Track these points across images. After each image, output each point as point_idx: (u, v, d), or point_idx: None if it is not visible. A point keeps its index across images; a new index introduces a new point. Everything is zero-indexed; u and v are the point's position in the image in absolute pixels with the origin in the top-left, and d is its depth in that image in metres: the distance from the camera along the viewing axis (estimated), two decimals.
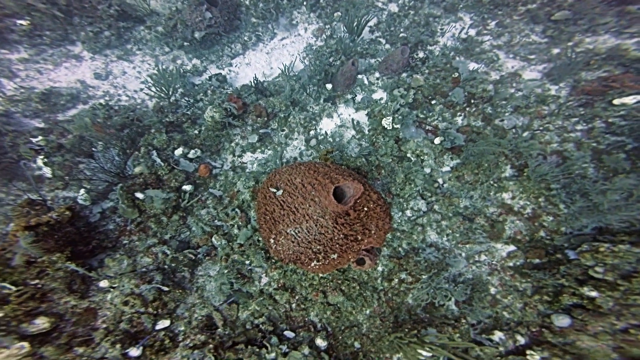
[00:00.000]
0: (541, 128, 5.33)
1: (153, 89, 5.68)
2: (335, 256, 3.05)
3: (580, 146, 5.06)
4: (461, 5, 7.19)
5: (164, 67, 6.40)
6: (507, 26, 6.88)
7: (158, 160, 4.38)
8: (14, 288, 3.25)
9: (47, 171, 4.58)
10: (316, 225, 3.01)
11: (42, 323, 3.22)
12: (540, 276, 3.85)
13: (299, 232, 3.09)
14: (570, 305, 3.68)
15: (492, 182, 4.48)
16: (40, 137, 4.75)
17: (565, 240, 3.99)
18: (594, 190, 3.99)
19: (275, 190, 3.28)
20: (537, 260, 4.03)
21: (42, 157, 4.52)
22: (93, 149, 4.73)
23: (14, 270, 3.32)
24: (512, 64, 6.44)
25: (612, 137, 5.22)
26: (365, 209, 3.12)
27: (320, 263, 3.09)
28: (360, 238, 3.09)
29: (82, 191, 4.33)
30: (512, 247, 4.18)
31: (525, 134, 5.08)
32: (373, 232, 3.10)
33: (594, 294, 3.53)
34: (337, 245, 3.02)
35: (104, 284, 3.60)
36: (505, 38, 6.77)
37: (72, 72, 6.31)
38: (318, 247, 3.04)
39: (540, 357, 3.47)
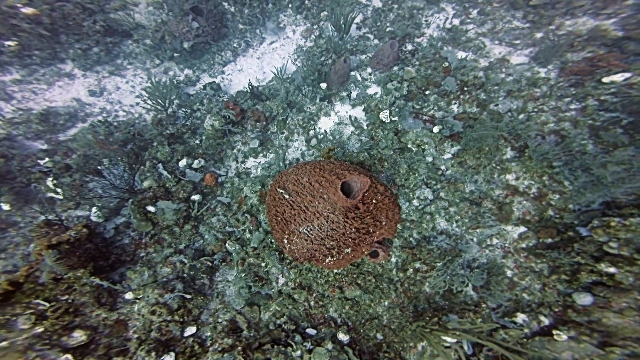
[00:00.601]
0: (536, 110, 5.47)
1: (149, 102, 5.70)
2: (349, 250, 3.13)
3: (577, 124, 5.21)
4: None
5: (156, 79, 6.42)
6: (488, 14, 7.02)
7: (165, 172, 4.42)
8: (47, 304, 3.34)
9: (58, 192, 4.59)
10: (327, 222, 3.09)
11: (79, 336, 3.33)
12: (555, 255, 3.91)
13: (311, 229, 3.17)
14: (590, 283, 3.72)
15: (494, 165, 4.60)
16: (47, 159, 4.77)
17: (575, 217, 4.10)
18: (594, 164, 4.11)
19: (282, 192, 3.36)
20: (549, 240, 4.12)
21: (51, 179, 4.53)
22: (99, 166, 4.75)
23: (44, 287, 3.41)
24: (499, 50, 6.58)
25: (607, 113, 5.38)
26: (374, 201, 3.21)
27: (334, 259, 3.17)
28: (372, 230, 3.18)
29: (94, 209, 4.37)
30: (522, 229, 4.29)
31: (521, 117, 5.22)
32: (384, 223, 3.19)
33: (612, 270, 3.56)
34: (350, 240, 3.10)
35: (129, 295, 3.68)
36: (488, 25, 6.91)
37: (67, 90, 6.29)
38: (331, 242, 3.12)
39: (568, 336, 3.51)
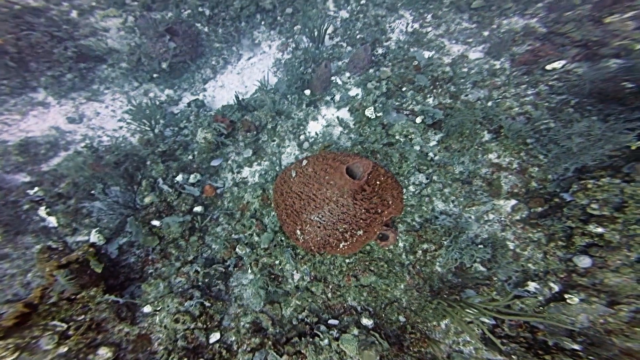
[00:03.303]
0: (501, 97, 6.09)
1: (133, 124, 5.65)
2: (361, 232, 3.31)
3: (537, 107, 5.86)
4: (399, 4, 8.01)
5: (137, 101, 6.39)
6: (441, 17, 7.78)
7: (166, 187, 4.40)
8: (65, 325, 3.19)
9: (52, 220, 4.39)
10: (337, 206, 3.27)
11: (105, 352, 3.21)
12: (549, 223, 4.25)
13: (322, 216, 3.33)
14: (585, 246, 4.01)
15: (476, 147, 5.04)
16: (37, 189, 4.56)
17: (556, 185, 4.54)
18: (561, 138, 4.65)
19: (293, 174, 3.51)
20: (539, 209, 4.50)
21: (44, 207, 4.34)
22: (92, 191, 4.62)
23: (59, 308, 3.27)
24: (457, 48, 7.28)
25: (557, 96, 6.11)
26: (378, 182, 3.44)
27: (348, 243, 3.33)
28: (380, 210, 3.40)
29: (93, 232, 4.23)
30: (513, 201, 4.68)
31: (489, 103, 5.78)
32: (390, 202, 3.42)
33: (600, 230, 3.80)
34: (361, 220, 3.29)
35: (147, 309, 3.60)
36: (443, 27, 7.64)
37: (43, 119, 6.07)
38: (344, 226, 3.29)
39: (579, 298, 3.75)
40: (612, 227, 3.85)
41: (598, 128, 4.42)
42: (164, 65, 6.57)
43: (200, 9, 7.22)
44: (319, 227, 3.34)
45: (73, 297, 3.34)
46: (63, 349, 3.12)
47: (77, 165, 4.46)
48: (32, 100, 6.25)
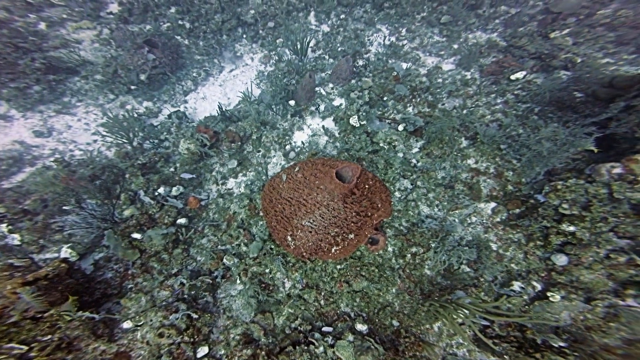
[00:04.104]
0: (474, 105, 6.42)
1: (110, 137, 5.42)
2: (352, 236, 3.31)
3: (507, 114, 6.24)
4: (376, 19, 8.39)
5: (113, 114, 6.15)
6: (414, 31, 8.23)
7: (147, 199, 4.20)
8: (25, 347, 2.85)
9: (15, 237, 4.04)
10: (328, 210, 3.27)
11: None
12: (527, 223, 4.48)
13: (313, 220, 3.30)
14: (560, 245, 4.24)
15: (456, 153, 5.25)
16: None
17: (530, 188, 4.82)
18: (531, 142, 4.96)
19: (284, 177, 3.48)
20: (517, 210, 4.73)
21: (5, 224, 3.99)
22: (64, 206, 4.32)
23: (20, 328, 2.91)
24: (431, 60, 7.68)
25: (523, 104, 6.55)
26: (367, 185, 3.48)
27: (340, 247, 3.32)
28: (370, 213, 3.42)
29: (65, 248, 3.93)
30: (493, 204, 4.89)
31: (464, 112, 6.08)
32: (379, 205, 3.46)
33: (571, 228, 4.09)
34: (352, 224, 3.30)
35: (127, 324, 3.33)
36: (417, 41, 8.06)
37: (4, 133, 5.67)
38: (335, 229, 3.28)
39: (560, 296, 3.92)
40: (581, 225, 4.09)
41: (562, 133, 4.77)
42: (143, 77, 6.42)
43: (180, 22, 7.18)
44: (310, 232, 3.30)
45: (39, 315, 3.04)
46: None
47: (47, 180, 4.18)
48: None
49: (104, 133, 5.93)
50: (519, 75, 6.79)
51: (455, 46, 7.93)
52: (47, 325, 3.01)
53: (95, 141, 5.91)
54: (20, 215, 4.21)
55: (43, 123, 5.99)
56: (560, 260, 4.16)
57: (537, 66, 7.12)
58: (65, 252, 3.87)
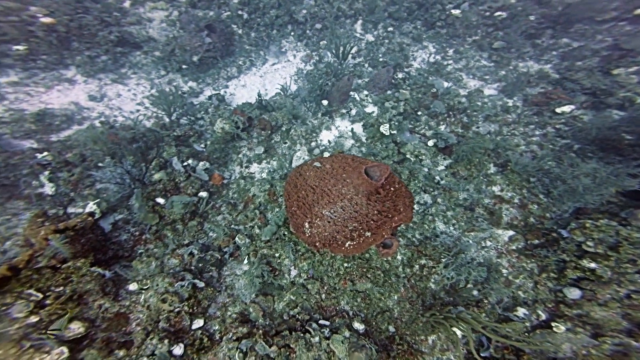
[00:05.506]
0: (509, 133, 6.24)
1: (152, 109, 5.80)
2: (369, 234, 3.31)
3: (543, 147, 6.01)
4: (425, 36, 8.42)
5: (161, 89, 6.60)
6: (462, 52, 8.16)
7: (179, 166, 4.44)
8: (40, 295, 3.06)
9: (49, 188, 4.39)
10: (351, 204, 3.29)
11: (77, 327, 3.03)
12: (544, 253, 4.32)
13: (334, 211, 3.33)
14: (575, 279, 4.11)
15: (482, 178, 5.12)
16: (46, 153, 4.60)
17: (554, 223, 4.62)
18: (567, 177, 4.74)
19: (318, 165, 3.56)
20: (536, 241, 4.55)
21: (47, 172, 4.36)
22: (100, 163, 4.66)
23: (41, 276, 3.14)
24: (473, 83, 7.57)
25: (562, 140, 6.27)
26: (392, 188, 3.48)
27: (354, 243, 3.31)
28: (391, 215, 3.41)
29: (91, 203, 4.21)
30: (511, 232, 4.71)
31: (498, 138, 5.92)
32: (402, 209, 3.44)
33: (593, 265, 3.99)
34: (372, 222, 3.30)
35: (133, 286, 3.49)
36: (463, 62, 7.98)
37: (65, 94, 6.24)
38: (354, 224, 3.29)
39: (566, 327, 3.77)
40: (605, 263, 3.99)
41: (603, 171, 4.53)
42: (195, 59, 6.83)
43: (239, 12, 7.64)
44: (329, 222, 3.34)
45: (58, 266, 3.26)
46: (33, 319, 2.98)
47: (95, 135, 4.53)
48: (61, 76, 6.48)
49: (148, 105, 6.38)
50: (566, 108, 6.52)
51: (502, 72, 7.79)
52: (62, 277, 3.22)
53: (137, 111, 6.34)
54: (61, 166, 4.57)
55: (98, 89, 6.53)
56: (574, 293, 4.02)
57: (589, 102, 6.80)
58: (91, 207, 4.14)
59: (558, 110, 6.59)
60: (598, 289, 3.94)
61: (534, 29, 8.58)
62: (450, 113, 6.27)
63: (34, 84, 6.24)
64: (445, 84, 7.03)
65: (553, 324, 3.86)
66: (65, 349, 2.97)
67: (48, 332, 2.84)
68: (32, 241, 3.60)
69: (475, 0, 8.86)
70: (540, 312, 4.04)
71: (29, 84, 6.20)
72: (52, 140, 5.45)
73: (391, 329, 3.70)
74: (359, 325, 3.53)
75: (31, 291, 3.17)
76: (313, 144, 5.87)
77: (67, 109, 6.02)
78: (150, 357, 3.10)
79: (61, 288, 3.15)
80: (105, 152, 4.72)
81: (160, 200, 4.13)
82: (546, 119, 6.59)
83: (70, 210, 4.53)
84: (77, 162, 4.80)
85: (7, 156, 4.91)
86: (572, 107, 6.54)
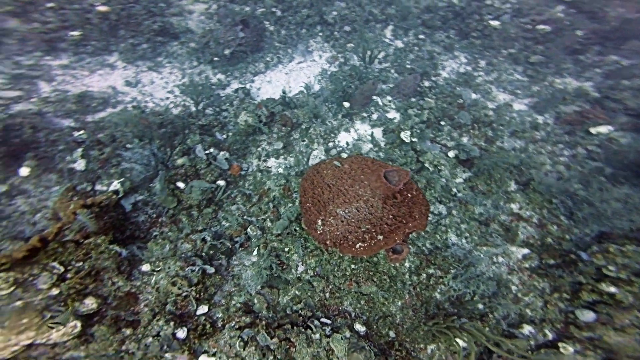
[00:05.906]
0: (536, 151, 6.03)
1: (180, 98, 6.05)
2: (381, 237, 3.31)
3: (570, 168, 5.76)
4: (457, 46, 8.28)
5: (192, 78, 6.88)
6: (495, 65, 7.95)
7: (202, 153, 4.61)
8: (62, 268, 3.28)
9: (80, 164, 4.68)
10: (366, 205, 3.31)
11: (91, 303, 3.23)
12: (559, 273, 4.16)
13: (349, 212, 3.36)
14: (590, 302, 3.93)
15: (501, 194, 4.99)
16: (82, 131, 4.93)
17: (573, 245, 4.44)
18: (596, 199, 4.55)
19: (337, 164, 3.62)
20: (551, 261, 4.38)
21: (80, 150, 4.65)
22: (128, 144, 4.91)
23: (64, 250, 3.36)
24: (503, 97, 7.35)
25: (593, 162, 5.98)
26: (409, 195, 3.46)
27: (365, 245, 3.32)
28: (406, 221, 3.40)
29: (115, 182, 4.44)
30: (526, 250, 4.56)
31: (523, 155, 5.74)
32: (417, 216, 3.42)
33: (613, 289, 3.80)
34: (386, 225, 3.29)
35: (146, 267, 3.66)
36: (494, 75, 7.78)
37: (105, 79, 6.66)
38: (367, 226, 3.30)
39: (574, 349, 3.61)
40: (627, 288, 3.81)
41: (637, 197, 4.31)
42: (227, 52, 7.07)
43: (273, 9, 7.84)
44: (342, 222, 3.37)
45: (81, 241, 3.45)
46: (55, 291, 3.16)
47: (130, 117, 4.80)
48: (104, 61, 6.95)
49: (177, 93, 6.66)
50: (602, 129, 6.17)
51: (536, 88, 7.52)
52: (83, 252, 3.40)
53: (167, 98, 6.62)
54: (94, 144, 4.87)
55: (135, 75, 6.89)
56: (587, 316, 3.84)
57: (630, 124, 6.43)
58: (115, 186, 4.37)
59: (593, 130, 6.27)
60: (616, 313, 3.76)
61: (580, 45, 8.21)
62: (475, 125, 6.13)
63: (81, 67, 6.70)
64: (473, 95, 6.89)
65: (560, 344, 3.71)
66: (78, 323, 3.16)
67: (49, 324, 2.96)
68: (60, 214, 3.85)
69: (517, 12, 8.62)
70: (547, 332, 3.91)
71: (76, 68, 6.66)
72: (87, 121, 5.81)
73: (392, 334, 3.68)
74: (360, 327, 3.54)
75: (55, 264, 3.36)
76: (330, 144, 5.91)
77: (104, 93, 6.39)
78: (156, 337, 3.24)
79: (81, 263, 3.36)
80: (134, 134, 4.97)
81: (181, 185, 4.30)
82: (578, 139, 6.31)
83: (97, 187, 4.82)
84: (107, 142, 5.09)
85: (48, 132, 5.28)
86: (610, 127, 6.20)
